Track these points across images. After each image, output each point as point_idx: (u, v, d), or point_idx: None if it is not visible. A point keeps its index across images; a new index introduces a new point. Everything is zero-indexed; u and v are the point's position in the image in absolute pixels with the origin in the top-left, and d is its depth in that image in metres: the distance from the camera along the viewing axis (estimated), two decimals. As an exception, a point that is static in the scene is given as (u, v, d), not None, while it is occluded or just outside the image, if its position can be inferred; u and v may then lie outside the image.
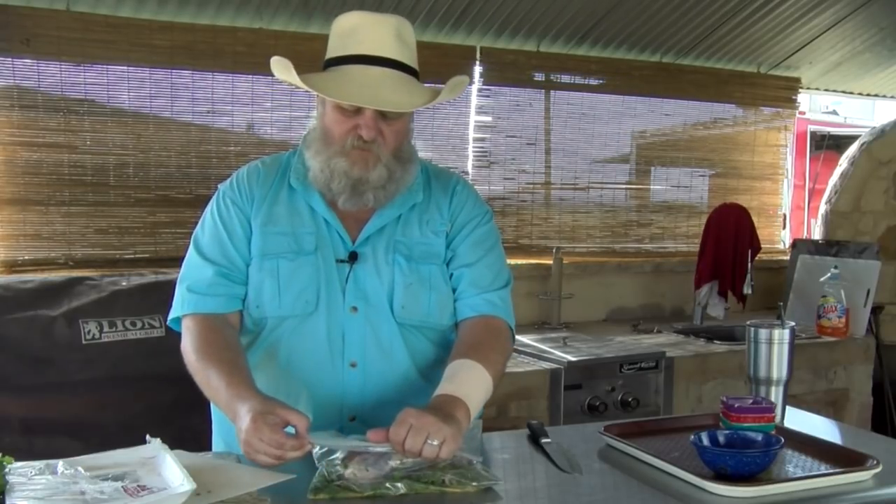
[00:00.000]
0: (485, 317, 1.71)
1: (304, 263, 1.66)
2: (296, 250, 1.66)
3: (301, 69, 1.65)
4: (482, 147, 3.76)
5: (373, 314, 1.66)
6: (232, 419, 1.47)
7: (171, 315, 1.70)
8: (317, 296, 1.64)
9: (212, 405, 1.77)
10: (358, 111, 1.60)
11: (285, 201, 1.71)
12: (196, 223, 1.78)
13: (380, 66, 1.60)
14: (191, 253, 1.72)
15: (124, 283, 2.68)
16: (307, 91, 1.63)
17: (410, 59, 1.65)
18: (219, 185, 1.78)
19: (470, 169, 3.71)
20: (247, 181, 1.74)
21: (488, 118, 3.75)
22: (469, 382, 1.55)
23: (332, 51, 1.66)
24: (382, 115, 1.60)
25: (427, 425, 1.37)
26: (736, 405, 1.64)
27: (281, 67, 1.66)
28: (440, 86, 1.71)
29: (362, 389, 1.64)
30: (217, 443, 1.78)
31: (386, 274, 1.67)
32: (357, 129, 1.60)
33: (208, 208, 1.76)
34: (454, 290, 1.74)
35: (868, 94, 4.94)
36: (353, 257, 1.67)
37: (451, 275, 1.74)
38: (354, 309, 1.65)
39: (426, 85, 1.69)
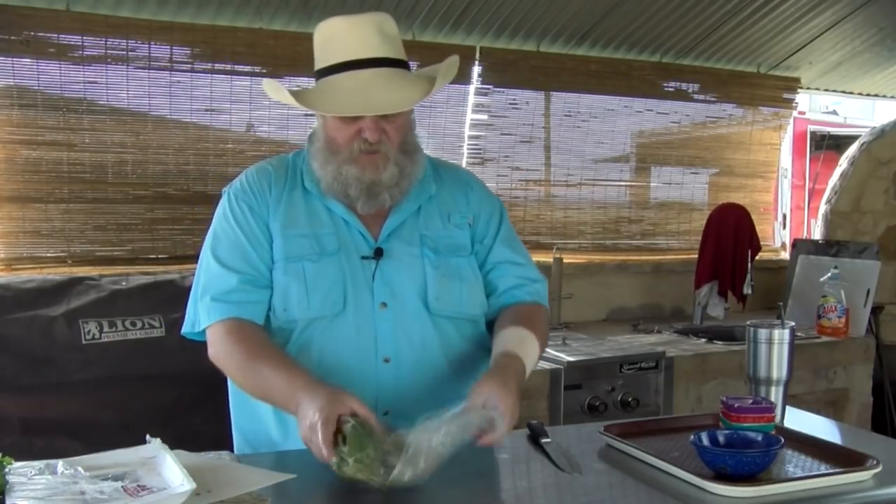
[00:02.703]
0: (537, 303, 1.78)
1: (328, 264, 1.65)
2: (318, 251, 1.66)
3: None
4: (477, 144, 3.77)
5: (402, 309, 1.66)
6: (294, 410, 1.47)
7: (194, 327, 1.66)
8: (343, 295, 1.64)
9: (232, 407, 1.77)
10: (358, 116, 1.60)
11: (301, 203, 1.70)
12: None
13: (367, 67, 1.59)
14: (208, 262, 1.67)
15: (124, 283, 2.68)
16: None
17: (397, 53, 1.64)
18: (226, 190, 1.74)
19: (464, 166, 3.72)
20: (259, 183, 1.71)
21: (484, 116, 3.76)
22: (528, 352, 1.63)
23: (318, 61, 1.66)
24: (383, 115, 1.61)
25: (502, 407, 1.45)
26: (736, 405, 1.64)
27: (273, 89, 1.68)
28: (430, 67, 1.72)
29: (396, 384, 1.64)
30: (240, 446, 1.76)
31: (415, 268, 1.68)
32: (361, 133, 1.61)
33: (220, 214, 1.72)
34: (495, 282, 1.77)
35: (868, 94, 4.94)
36: (377, 253, 1.67)
37: (489, 269, 1.77)
38: (384, 305, 1.65)
39: (417, 70, 1.70)
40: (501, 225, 1.81)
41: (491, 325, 1.77)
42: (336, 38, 1.62)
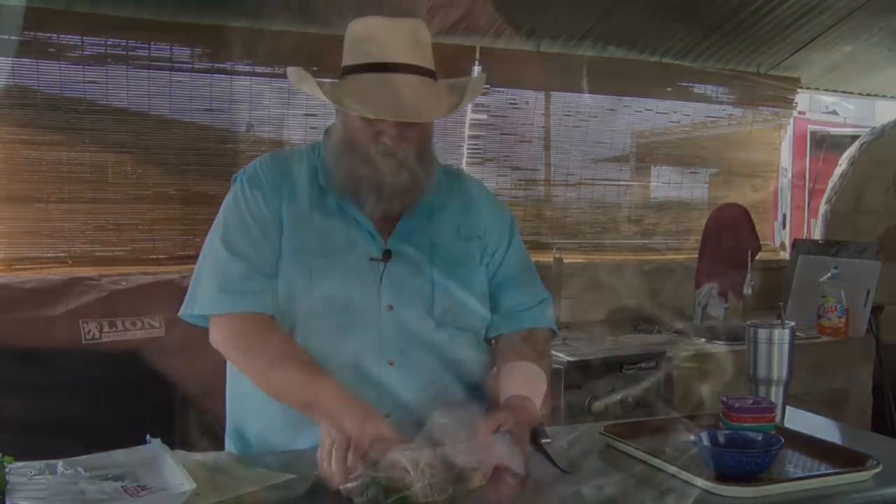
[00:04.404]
0: (543, 329, 1.79)
1: (337, 263, 1.64)
2: (328, 248, 1.65)
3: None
4: (476, 144, 3.77)
5: (408, 313, 1.65)
6: (314, 414, 1.46)
7: (193, 309, 1.64)
8: (350, 295, 1.63)
9: (228, 407, 1.75)
10: (383, 118, 1.59)
11: (315, 199, 1.69)
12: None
13: (401, 72, 1.60)
14: (216, 248, 1.64)
15: (124, 283, 2.68)
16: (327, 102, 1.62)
17: (429, 62, 1.65)
18: (238, 176, 1.72)
19: (464, 166, 3.72)
20: (273, 171, 1.70)
21: (484, 116, 3.76)
22: (537, 389, 1.65)
23: (350, 57, 1.65)
24: (408, 122, 1.60)
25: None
26: (736, 405, 1.64)
27: (299, 79, 1.66)
28: (457, 80, 1.72)
29: (399, 387, 1.63)
30: (238, 446, 1.73)
31: (424, 275, 1.68)
32: (381, 136, 1.60)
33: (230, 199, 1.70)
34: (501, 298, 1.78)
35: (868, 94, 4.94)
36: (386, 256, 1.67)
37: (497, 283, 1.78)
38: (390, 308, 1.64)
39: (442, 81, 1.70)
40: (513, 239, 1.82)
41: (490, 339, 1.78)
42: (371, 37, 1.62)
